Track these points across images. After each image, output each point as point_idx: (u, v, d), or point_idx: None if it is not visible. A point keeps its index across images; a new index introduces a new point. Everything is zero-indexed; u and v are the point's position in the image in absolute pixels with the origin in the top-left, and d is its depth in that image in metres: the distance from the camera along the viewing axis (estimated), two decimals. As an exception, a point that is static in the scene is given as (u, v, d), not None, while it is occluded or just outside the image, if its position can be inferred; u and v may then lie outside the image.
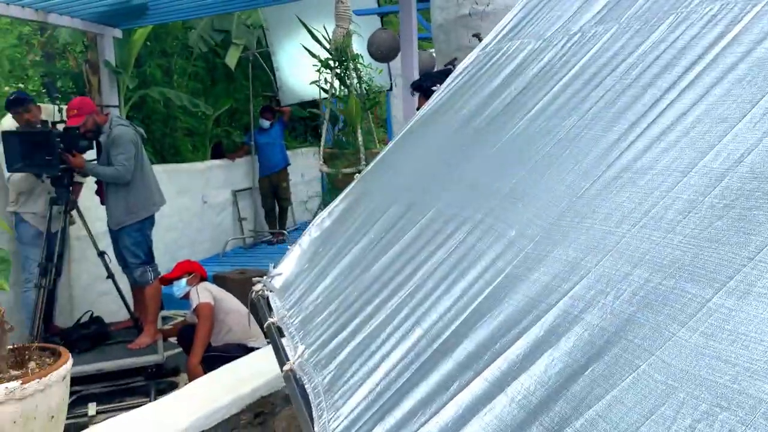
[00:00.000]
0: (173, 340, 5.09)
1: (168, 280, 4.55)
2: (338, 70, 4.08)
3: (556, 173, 1.29)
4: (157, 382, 4.53)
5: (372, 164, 2.34)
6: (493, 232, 1.28)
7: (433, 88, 2.33)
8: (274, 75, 8.41)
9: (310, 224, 2.37)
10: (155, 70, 7.14)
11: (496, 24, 5.30)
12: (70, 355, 2.16)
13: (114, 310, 5.76)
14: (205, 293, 4.28)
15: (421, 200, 1.77)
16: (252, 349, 4.23)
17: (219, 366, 4.02)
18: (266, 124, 8.33)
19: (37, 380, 1.95)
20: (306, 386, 1.37)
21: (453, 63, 3.56)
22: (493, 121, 1.80)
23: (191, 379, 3.98)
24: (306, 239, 2.31)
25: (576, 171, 1.24)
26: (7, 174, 4.73)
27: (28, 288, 4.72)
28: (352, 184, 2.37)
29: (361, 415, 1.12)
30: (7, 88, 6.43)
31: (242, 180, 8.71)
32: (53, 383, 2.00)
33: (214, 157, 8.53)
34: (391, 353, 1.21)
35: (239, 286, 5.25)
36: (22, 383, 1.92)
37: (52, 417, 2.03)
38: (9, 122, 5.07)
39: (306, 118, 10.28)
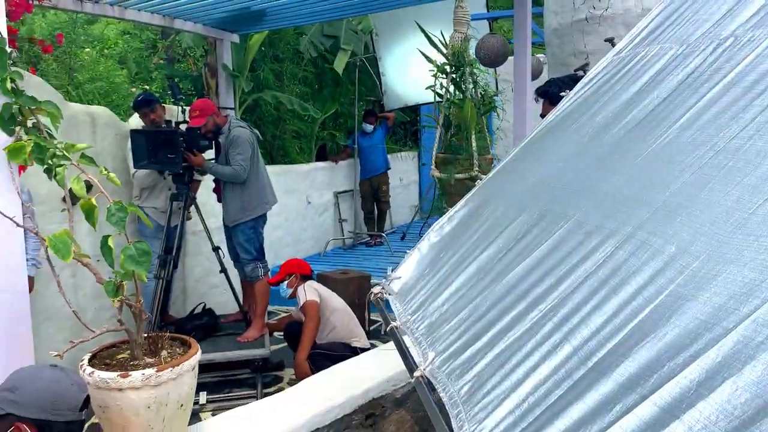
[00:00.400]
0: (277, 334, 5.25)
1: (274, 283, 4.70)
2: (454, 75, 4.07)
3: (719, 186, 1.21)
4: (263, 375, 4.66)
5: (495, 170, 2.30)
6: (648, 247, 1.22)
7: (561, 94, 2.25)
8: (379, 80, 8.52)
9: (429, 229, 2.36)
10: (268, 75, 7.41)
11: (615, 28, 5.08)
12: (199, 346, 2.26)
13: (222, 303, 6.01)
14: (311, 291, 4.37)
15: (554, 210, 1.71)
16: (355, 349, 4.28)
17: (324, 363, 4.10)
18: (369, 128, 8.45)
19: (171, 369, 2.05)
20: (441, 394, 1.36)
21: (584, 68, 3.45)
22: (634, 130, 1.72)
23: (298, 374, 4.08)
24: (425, 244, 2.30)
25: (744, 185, 1.15)
26: (132, 170, 5.02)
27: (149, 278, 4.97)
28: (474, 190, 2.34)
29: (508, 429, 1.09)
30: (133, 89, 6.86)
31: (344, 182, 8.88)
32: (184, 373, 2.09)
33: (318, 159, 8.74)
34: (538, 368, 1.17)
35: (341, 285, 5.34)
36: (157, 371, 2.02)
37: (181, 405, 2.13)
38: (136, 121, 5.40)
39: (406, 122, 10.35)
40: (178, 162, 4.64)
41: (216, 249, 5.01)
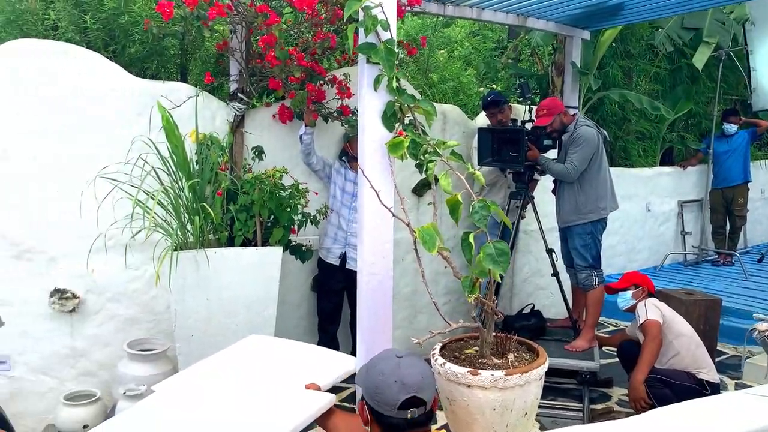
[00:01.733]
0: (606, 349, 4.94)
1: (613, 290, 4.38)
2: None
3: None
4: (590, 389, 4.43)
5: None
6: None
7: None
8: (748, 76, 7.43)
9: None
10: (616, 72, 7.01)
11: None
12: (547, 356, 2.17)
13: (546, 306, 5.90)
14: (654, 310, 3.97)
15: None
16: (702, 381, 3.78)
17: (662, 390, 3.71)
18: (732, 128, 7.44)
19: (519, 375, 2.00)
20: None
21: None
22: None
23: (632, 396, 3.75)
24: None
25: None
26: (477, 166, 5.18)
27: (483, 272, 5.10)
28: None
29: None
30: (480, 89, 7.13)
31: (691, 190, 8.02)
32: (531, 381, 2.03)
33: (663, 163, 8.03)
34: None
35: (684, 307, 4.77)
36: (505, 374, 1.99)
37: (525, 413, 2.07)
38: (482, 120, 5.58)
39: (777, 126, 8.87)
40: (521, 161, 4.65)
41: (550, 251, 4.90)
